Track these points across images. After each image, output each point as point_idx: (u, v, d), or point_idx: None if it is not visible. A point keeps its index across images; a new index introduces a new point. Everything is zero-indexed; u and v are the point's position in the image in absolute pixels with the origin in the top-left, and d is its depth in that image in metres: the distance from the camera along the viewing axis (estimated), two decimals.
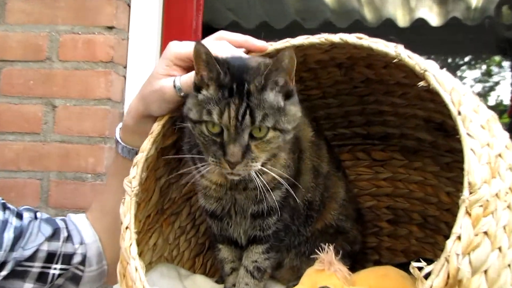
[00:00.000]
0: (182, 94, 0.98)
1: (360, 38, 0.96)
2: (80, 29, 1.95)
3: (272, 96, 0.87)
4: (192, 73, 0.96)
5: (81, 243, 1.15)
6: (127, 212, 0.93)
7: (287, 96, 0.90)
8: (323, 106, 1.30)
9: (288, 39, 1.03)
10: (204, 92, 0.88)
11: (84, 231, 1.17)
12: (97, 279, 1.19)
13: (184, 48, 1.00)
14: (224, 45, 0.98)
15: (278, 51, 1.00)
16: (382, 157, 1.37)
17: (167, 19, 2.07)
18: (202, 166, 0.93)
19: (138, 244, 0.89)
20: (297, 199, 1.02)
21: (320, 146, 1.14)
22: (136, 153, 1.09)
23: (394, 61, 0.91)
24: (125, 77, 1.98)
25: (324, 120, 1.33)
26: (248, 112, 0.84)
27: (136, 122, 1.07)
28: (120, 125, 1.14)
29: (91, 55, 1.92)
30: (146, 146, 0.99)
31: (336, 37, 0.99)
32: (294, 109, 0.90)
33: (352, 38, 0.97)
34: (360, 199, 1.38)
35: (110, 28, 1.94)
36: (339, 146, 1.38)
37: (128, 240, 0.88)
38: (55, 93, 1.93)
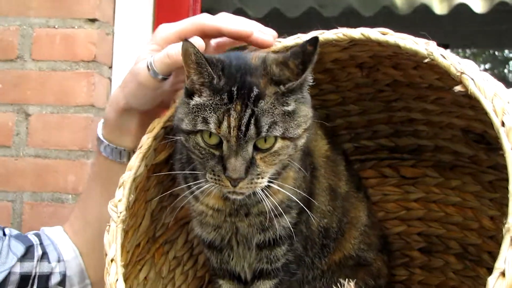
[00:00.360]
0: (159, 77, 1.00)
1: (385, 34, 0.97)
2: (56, 22, 1.96)
3: (282, 99, 0.86)
4: (164, 50, 0.98)
5: (59, 260, 1.16)
6: (113, 242, 0.94)
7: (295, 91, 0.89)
8: (342, 114, 1.30)
9: (299, 34, 1.04)
10: (196, 98, 0.87)
11: (62, 246, 1.18)
12: None
13: (174, 31, 1.02)
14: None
15: (287, 49, 1.01)
16: (413, 174, 1.37)
17: (159, 9, 2.08)
18: (195, 186, 0.94)
19: (126, 279, 0.91)
20: (310, 226, 1.02)
21: (337, 162, 1.15)
22: (121, 154, 1.13)
23: (426, 61, 0.91)
24: (110, 79, 1.98)
25: (343, 130, 1.34)
26: (252, 120, 0.83)
27: (117, 116, 1.09)
28: (102, 121, 1.16)
29: (70, 53, 1.93)
30: (134, 163, 1.01)
31: (356, 32, 0.99)
32: (305, 108, 0.89)
33: (375, 33, 0.97)
34: (387, 224, 1.38)
35: (93, 21, 1.94)
36: (361, 161, 1.39)
37: (114, 275, 0.89)
38: (28, 99, 1.93)
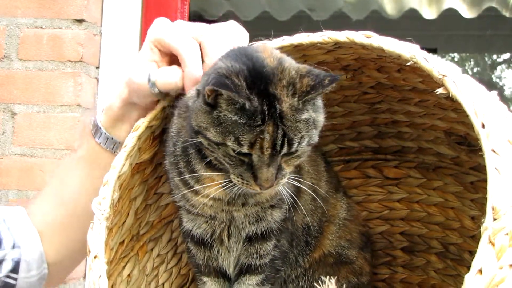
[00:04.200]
0: (157, 91, 1.01)
1: (369, 37, 0.98)
2: (44, 23, 1.96)
3: (308, 115, 0.87)
4: (170, 71, 0.99)
5: (14, 246, 1.14)
6: (96, 239, 0.94)
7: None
8: (326, 115, 1.29)
9: (284, 37, 1.04)
10: (224, 113, 0.85)
11: (19, 232, 1.16)
12: (36, 285, 1.18)
13: (167, 36, 1.01)
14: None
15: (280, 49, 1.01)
16: (396, 174, 1.38)
17: (147, 10, 2.08)
18: (192, 179, 0.96)
19: (110, 275, 0.91)
20: (296, 222, 1.03)
21: (317, 162, 1.17)
22: (115, 145, 1.13)
23: (408, 64, 0.92)
24: (97, 79, 1.99)
25: (327, 131, 1.34)
26: (286, 140, 0.85)
27: (122, 106, 1.09)
28: (102, 106, 1.15)
29: (57, 53, 1.93)
30: (119, 162, 1.01)
31: (341, 35, 1.00)
32: (322, 117, 0.92)
33: (360, 36, 0.98)
34: (370, 223, 1.39)
35: (80, 21, 1.95)
36: (345, 161, 1.40)
37: (97, 271, 0.89)
38: (14, 98, 1.93)
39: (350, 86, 1.23)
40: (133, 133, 1.03)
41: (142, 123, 1.04)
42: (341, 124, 1.33)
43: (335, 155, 1.38)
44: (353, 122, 1.33)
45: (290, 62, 0.89)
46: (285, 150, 0.85)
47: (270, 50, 0.91)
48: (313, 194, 1.06)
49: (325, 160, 1.22)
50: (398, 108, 1.24)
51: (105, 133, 1.13)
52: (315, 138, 0.89)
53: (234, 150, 0.85)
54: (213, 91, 0.84)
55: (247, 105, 0.83)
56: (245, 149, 0.84)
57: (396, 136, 1.32)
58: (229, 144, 0.85)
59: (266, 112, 0.83)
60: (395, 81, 1.16)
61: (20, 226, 1.17)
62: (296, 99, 0.85)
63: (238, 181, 0.89)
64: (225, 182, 0.92)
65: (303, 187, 1.00)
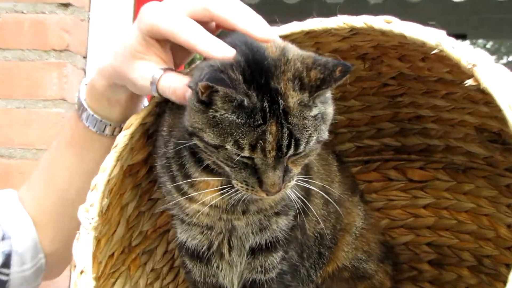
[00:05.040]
0: (159, 96, 0.99)
1: (390, 22, 0.97)
2: (25, 7, 1.96)
3: (317, 110, 0.86)
4: (180, 78, 0.95)
5: (3, 238, 1.14)
6: (83, 251, 0.94)
7: None
8: (342, 110, 1.31)
9: (294, 22, 1.04)
10: (220, 112, 0.84)
11: (11, 220, 1.16)
12: (32, 279, 1.19)
13: (161, 20, 0.96)
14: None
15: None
16: (421, 177, 1.38)
17: None
18: (187, 184, 0.96)
19: None
20: (306, 231, 1.04)
21: (329, 161, 1.16)
22: (105, 127, 1.12)
23: (434, 52, 0.92)
24: (84, 70, 1.98)
25: (343, 128, 1.34)
26: (293, 141, 0.84)
27: (107, 86, 1.07)
28: (86, 81, 1.14)
29: (40, 41, 1.93)
30: (109, 163, 1.01)
31: (358, 21, 0.99)
32: (331, 109, 0.91)
33: (379, 22, 0.97)
34: (392, 232, 1.39)
35: (66, 5, 1.94)
36: (364, 162, 1.40)
37: None
38: None
39: (368, 77, 1.23)
40: (124, 131, 1.03)
41: (135, 120, 1.04)
42: (359, 119, 1.33)
43: (352, 154, 1.38)
44: (372, 117, 1.33)
45: (294, 52, 0.88)
46: (291, 151, 0.84)
47: (284, 49, 0.89)
48: (326, 197, 1.05)
49: (338, 158, 1.22)
50: (422, 101, 1.24)
51: (93, 115, 1.12)
52: (325, 134, 0.89)
53: (235, 154, 0.85)
54: (207, 88, 0.82)
55: (246, 102, 0.82)
56: (246, 153, 0.84)
57: (421, 133, 1.32)
58: (229, 147, 0.84)
59: (267, 110, 0.83)
60: (419, 71, 1.16)
61: (10, 212, 1.17)
62: (305, 94, 0.84)
63: (242, 187, 0.89)
64: (224, 188, 0.92)
65: (314, 188, 1.00)
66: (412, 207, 1.39)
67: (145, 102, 1.13)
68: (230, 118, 0.83)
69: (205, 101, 0.85)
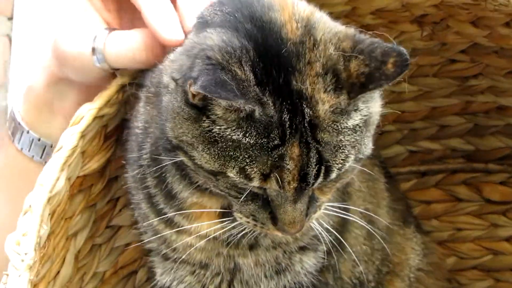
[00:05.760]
0: (106, 66, 0.98)
1: None
2: None
3: (358, 118, 0.83)
4: (128, 36, 0.95)
5: None
6: None
7: None
8: (389, 98, 1.27)
9: None
10: (219, 125, 0.81)
11: None
12: None
13: None
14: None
15: None
16: (503, 196, 1.38)
17: None
18: (171, 206, 0.94)
19: None
20: (341, 275, 1.04)
21: (373, 176, 1.15)
22: (44, 150, 1.12)
23: None
24: (9, 38, 2.00)
25: (391, 125, 1.35)
26: (323, 167, 0.81)
27: (50, 84, 1.08)
28: (20, 85, 1.14)
29: None
30: (49, 175, 0.99)
31: None
32: (378, 106, 0.88)
33: None
34: (462, 276, 1.38)
35: None
36: (421, 174, 1.40)
37: None
38: None
39: (427, 51, 1.23)
40: (72, 128, 1.01)
41: (88, 112, 1.02)
42: (413, 112, 1.33)
43: (403, 163, 1.39)
44: (433, 109, 1.33)
45: (325, 28, 0.84)
46: (319, 180, 0.82)
47: (291, 4, 0.85)
48: (369, 228, 1.03)
49: (385, 171, 1.21)
50: (506, 85, 1.24)
51: (28, 132, 1.12)
52: (368, 148, 0.86)
53: (241, 184, 0.83)
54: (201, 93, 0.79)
55: (257, 112, 0.78)
56: (255, 183, 0.81)
57: (504, 132, 1.32)
58: (231, 175, 0.81)
59: (287, 124, 0.79)
60: (502, 41, 1.15)
61: None
62: (343, 96, 0.80)
63: (248, 222, 0.87)
64: (225, 219, 0.90)
65: (353, 217, 0.98)
66: (489, 240, 1.39)
67: None
68: (235, 136, 0.80)
69: (198, 105, 0.81)
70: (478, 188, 1.39)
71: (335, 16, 0.87)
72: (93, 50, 0.96)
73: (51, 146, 1.11)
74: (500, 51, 1.18)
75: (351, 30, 0.83)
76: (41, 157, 1.13)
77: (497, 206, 1.38)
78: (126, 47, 0.95)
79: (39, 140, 1.11)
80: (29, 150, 1.12)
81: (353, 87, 0.79)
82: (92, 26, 0.99)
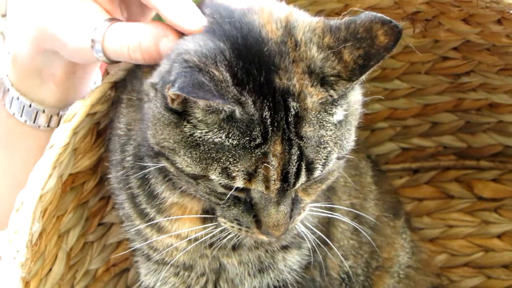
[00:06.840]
0: (106, 60, 0.96)
1: None
2: None
3: (342, 113, 0.84)
4: (131, 30, 0.93)
5: None
6: None
7: None
8: (381, 95, 1.27)
9: None
10: (200, 128, 0.82)
11: None
12: None
13: None
14: None
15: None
16: (495, 193, 1.38)
17: None
18: (153, 207, 0.94)
19: None
20: (329, 271, 1.04)
21: (361, 170, 1.16)
22: (36, 115, 1.11)
23: None
24: (3, 34, 1.98)
25: (383, 122, 1.35)
26: (303, 164, 0.82)
27: (36, 52, 1.06)
28: (8, 49, 1.12)
29: None
30: (41, 172, 0.99)
31: None
32: (357, 95, 0.88)
33: None
34: (452, 272, 1.39)
35: None
36: (413, 171, 1.40)
37: None
38: None
39: (419, 47, 1.22)
40: (64, 125, 1.01)
41: (80, 109, 1.02)
42: (405, 109, 1.34)
43: (395, 160, 1.39)
44: (425, 106, 1.33)
45: (304, 28, 0.84)
46: (302, 179, 0.82)
47: (269, 8, 0.85)
48: (353, 224, 1.05)
49: (373, 166, 1.21)
50: (498, 82, 1.24)
51: (18, 98, 1.11)
52: (350, 141, 0.87)
53: (224, 186, 0.83)
54: (180, 95, 0.79)
55: (237, 112, 0.79)
56: (239, 183, 0.82)
57: (495, 129, 1.32)
58: (214, 177, 0.82)
59: (269, 121, 0.80)
60: (494, 38, 1.15)
61: None
62: (328, 93, 0.81)
63: (233, 227, 0.88)
64: (209, 225, 0.91)
65: (337, 216, 0.99)
66: (481, 237, 1.39)
67: (98, 79, 1.12)
68: (217, 138, 0.81)
69: (178, 110, 0.82)
70: (470, 185, 1.39)
71: (327, 14, 0.88)
72: (93, 41, 0.95)
73: (44, 112, 1.11)
74: (492, 48, 1.18)
75: (324, 22, 0.83)
76: (34, 122, 1.11)
77: (488, 203, 1.39)
78: (123, 44, 0.93)
79: (30, 106, 1.10)
80: (21, 116, 1.11)
81: (353, 72, 0.80)
82: (92, 16, 0.97)
